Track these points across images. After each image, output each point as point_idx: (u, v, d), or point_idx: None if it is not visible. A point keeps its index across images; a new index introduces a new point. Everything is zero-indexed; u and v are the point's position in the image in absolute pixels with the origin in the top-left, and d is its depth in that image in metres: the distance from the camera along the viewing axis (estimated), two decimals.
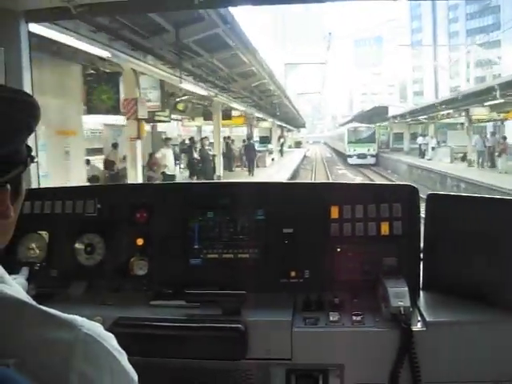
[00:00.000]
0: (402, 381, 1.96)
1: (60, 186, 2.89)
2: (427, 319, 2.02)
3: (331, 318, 2.07)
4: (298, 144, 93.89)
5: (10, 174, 1.08)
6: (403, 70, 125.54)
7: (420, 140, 43.40)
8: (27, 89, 2.69)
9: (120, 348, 1.12)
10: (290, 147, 78.00)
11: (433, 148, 40.17)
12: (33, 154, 1.19)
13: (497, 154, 28.54)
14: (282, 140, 53.50)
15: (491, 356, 1.97)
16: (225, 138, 31.16)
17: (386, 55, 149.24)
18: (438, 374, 1.99)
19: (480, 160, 30.22)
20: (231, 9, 11.41)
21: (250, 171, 28.75)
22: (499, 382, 1.99)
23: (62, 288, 2.37)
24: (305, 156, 62.14)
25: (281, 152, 50.02)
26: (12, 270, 2.17)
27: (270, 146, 41.69)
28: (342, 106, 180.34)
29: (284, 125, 58.68)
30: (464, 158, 33.52)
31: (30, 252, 2.45)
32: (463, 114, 33.52)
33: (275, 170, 33.07)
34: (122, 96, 14.68)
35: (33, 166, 2.66)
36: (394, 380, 1.96)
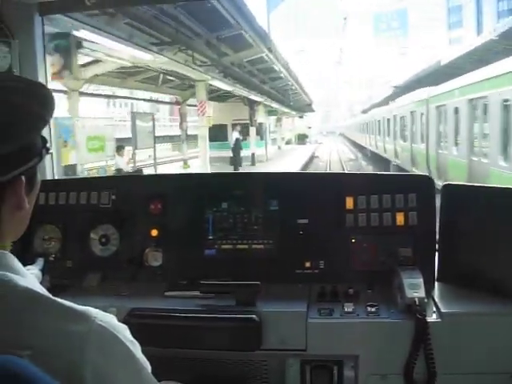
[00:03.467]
0: (417, 372, 1.95)
1: (75, 178, 2.91)
2: (442, 310, 2.01)
3: (346, 309, 2.06)
4: (302, 138, 68.65)
5: (25, 166, 1.09)
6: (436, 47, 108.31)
7: None
8: (42, 81, 2.70)
9: (133, 339, 1.13)
10: (288, 143, 56.97)
11: None
12: (48, 145, 1.19)
13: None
14: (236, 135, 26.55)
15: (506, 348, 1.96)
16: None
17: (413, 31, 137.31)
18: (453, 365, 1.97)
19: None
20: None
21: None
22: None
23: (76, 279, 2.39)
24: (312, 158, 40.16)
25: (234, 163, 25.58)
26: (27, 261, 2.19)
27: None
28: (360, 92, 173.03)
29: (259, 99, 29.64)
30: None
31: (45, 243, 2.47)
32: None
33: None
34: None
35: (48, 157, 2.67)
36: (409, 371, 1.95)
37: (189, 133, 30.03)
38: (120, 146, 17.22)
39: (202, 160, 21.83)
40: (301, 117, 62.44)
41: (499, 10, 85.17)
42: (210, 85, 21.15)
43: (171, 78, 22.39)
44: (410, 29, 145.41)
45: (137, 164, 18.19)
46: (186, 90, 26.31)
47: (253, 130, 30.53)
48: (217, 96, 28.50)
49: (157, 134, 21.77)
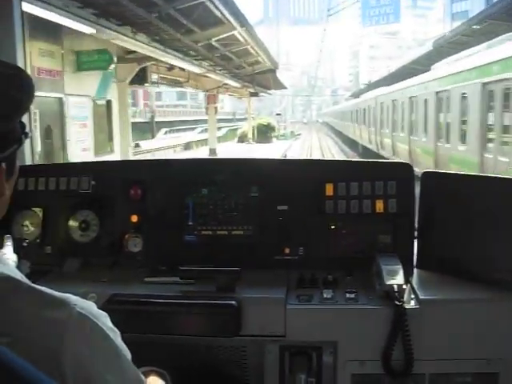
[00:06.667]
0: (395, 358, 1.97)
1: (54, 163, 2.88)
2: (420, 297, 2.03)
3: (325, 295, 2.08)
4: (264, 131, 43.23)
5: (5, 153, 1.08)
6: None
7: None
8: (20, 65, 2.66)
9: (113, 326, 1.13)
10: (242, 140, 40.29)
11: None
12: (26, 130, 1.18)
13: None
14: None
15: (483, 334, 1.99)
16: None
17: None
18: (431, 351, 2.00)
19: None
20: None
21: None
22: (491, 360, 2.00)
23: (56, 265, 2.37)
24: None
25: None
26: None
27: None
28: (344, 77, 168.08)
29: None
30: None
31: (24, 229, 2.45)
32: None
33: None
34: None
35: (27, 142, 2.64)
36: (387, 357, 1.98)
37: None
38: None
39: None
40: (254, 94, 37.81)
41: None
42: None
43: None
44: (403, 8, 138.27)
45: None
46: None
47: None
48: None
49: None
